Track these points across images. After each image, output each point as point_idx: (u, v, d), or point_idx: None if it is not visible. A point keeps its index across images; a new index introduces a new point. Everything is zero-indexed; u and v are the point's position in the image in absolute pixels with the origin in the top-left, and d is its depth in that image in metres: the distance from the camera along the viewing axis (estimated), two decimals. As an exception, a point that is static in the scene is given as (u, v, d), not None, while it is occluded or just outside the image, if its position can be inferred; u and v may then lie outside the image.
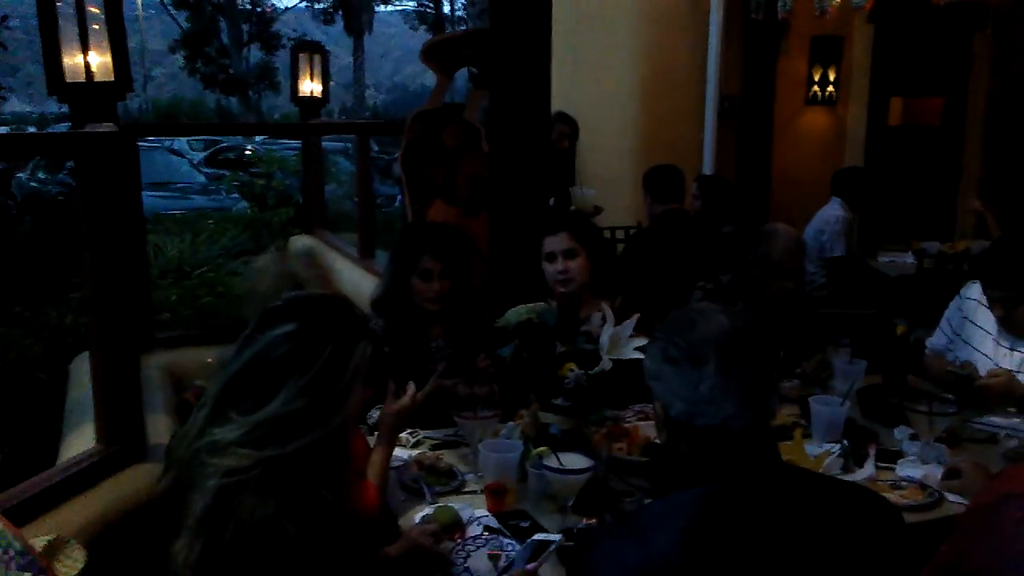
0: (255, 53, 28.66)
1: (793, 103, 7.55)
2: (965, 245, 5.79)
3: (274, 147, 12.45)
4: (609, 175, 6.28)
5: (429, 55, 4.39)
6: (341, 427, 1.57)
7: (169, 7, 27.31)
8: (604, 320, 2.37)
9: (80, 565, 1.69)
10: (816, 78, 7.58)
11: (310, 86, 6.18)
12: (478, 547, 1.92)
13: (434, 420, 2.61)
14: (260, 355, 1.50)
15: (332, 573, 1.47)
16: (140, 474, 2.44)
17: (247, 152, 14.52)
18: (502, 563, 1.83)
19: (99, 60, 2.90)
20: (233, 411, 1.46)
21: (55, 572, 1.64)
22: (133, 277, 2.84)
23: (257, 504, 1.40)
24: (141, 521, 2.25)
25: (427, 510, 2.09)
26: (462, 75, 4.88)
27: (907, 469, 2.31)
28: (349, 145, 11.72)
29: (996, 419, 2.65)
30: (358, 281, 4.69)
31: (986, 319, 2.89)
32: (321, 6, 32.68)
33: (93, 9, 2.88)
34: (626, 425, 2.53)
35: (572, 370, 2.28)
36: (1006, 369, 2.73)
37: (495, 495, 2.12)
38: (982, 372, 2.73)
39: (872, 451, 2.36)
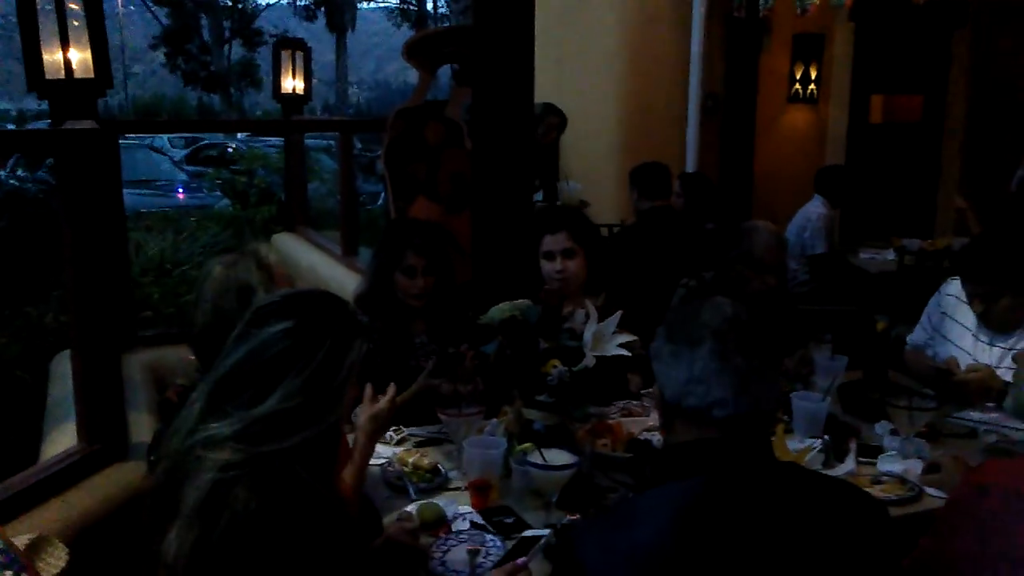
0: (237, 50, 28.56)
1: (775, 101, 7.59)
2: (945, 242, 5.84)
3: (256, 144, 12.42)
4: (592, 172, 6.29)
5: (411, 52, 4.39)
6: (335, 423, 1.58)
7: (149, 3, 27.15)
8: (587, 317, 2.38)
9: (62, 563, 1.69)
10: (798, 76, 7.63)
11: (292, 83, 6.17)
12: (459, 542, 1.92)
13: (418, 417, 2.62)
14: (257, 351, 1.50)
15: (321, 567, 1.48)
16: (122, 472, 2.43)
17: (229, 149, 14.48)
18: (480, 559, 1.84)
19: (79, 57, 2.89)
20: (229, 405, 1.47)
21: (38, 570, 1.63)
22: (114, 275, 2.83)
23: (250, 498, 1.40)
24: (124, 518, 2.24)
25: (411, 507, 2.09)
26: (446, 72, 4.89)
27: (887, 464, 2.33)
28: (332, 143, 11.70)
29: (975, 414, 2.67)
30: (341, 279, 4.69)
31: (965, 315, 2.92)
32: (303, 3, 32.57)
33: (73, 6, 2.87)
34: (610, 421, 2.54)
35: (556, 367, 2.29)
36: (985, 364, 2.76)
37: (479, 491, 2.12)
38: (962, 367, 2.76)
39: (853, 446, 2.38)
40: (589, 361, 2.30)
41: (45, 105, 2.95)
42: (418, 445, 2.50)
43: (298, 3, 32.94)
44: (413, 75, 4.65)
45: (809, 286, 5.46)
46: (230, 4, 28.59)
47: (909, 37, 7.38)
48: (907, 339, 3.17)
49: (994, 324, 2.81)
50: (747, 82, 7.30)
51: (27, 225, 7.74)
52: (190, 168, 15.99)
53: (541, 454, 2.05)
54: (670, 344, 1.47)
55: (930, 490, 2.18)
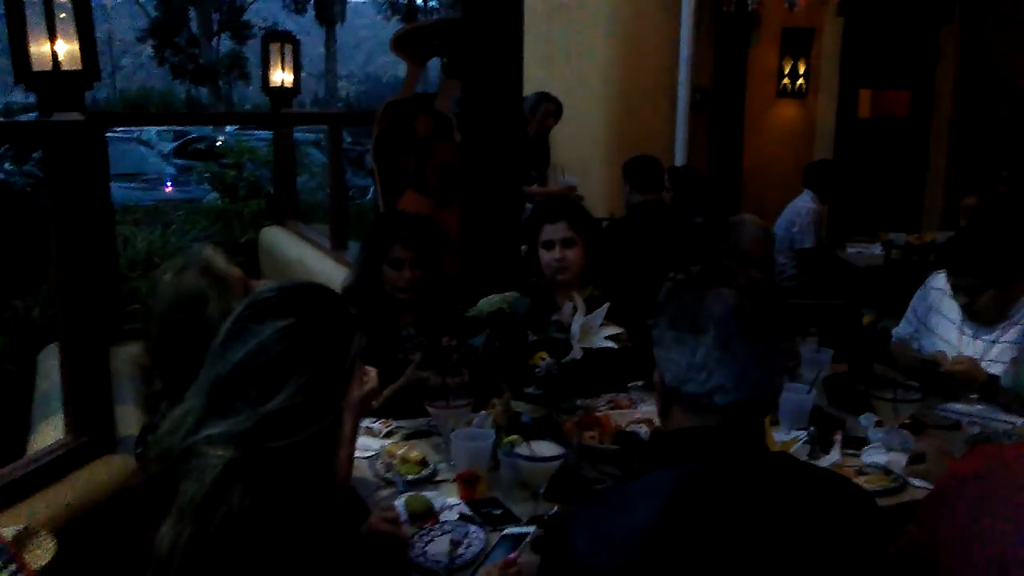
0: (225, 43, 28.43)
1: (764, 95, 7.61)
2: (932, 236, 5.88)
3: (245, 138, 12.35)
4: (581, 165, 6.30)
5: (399, 44, 4.38)
6: (340, 414, 1.58)
7: (137, -5, 27.00)
8: (575, 309, 2.39)
9: (49, 555, 1.69)
10: (787, 70, 7.64)
11: (281, 76, 6.15)
12: (443, 533, 1.93)
13: (407, 410, 2.62)
14: (259, 351, 1.47)
15: (313, 562, 1.48)
16: (109, 465, 2.42)
17: (217, 143, 14.39)
18: (461, 551, 1.85)
19: (66, 49, 2.88)
20: (238, 402, 1.45)
21: (25, 562, 1.63)
22: (101, 268, 2.82)
23: (249, 493, 1.40)
24: (111, 511, 2.24)
25: (399, 499, 2.10)
26: (435, 65, 4.88)
27: (872, 455, 2.35)
28: (321, 136, 11.66)
29: (959, 406, 2.70)
30: (330, 272, 4.69)
31: (950, 308, 2.94)
32: (292, -5, 32.44)
33: (60, -2, 2.86)
34: (597, 414, 2.55)
35: (543, 359, 2.30)
36: (969, 357, 2.78)
37: (467, 483, 2.13)
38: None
39: (838, 438, 2.40)
40: (577, 353, 2.31)
41: (32, 99, 2.94)
42: (406, 438, 2.51)
43: (287, -5, 32.83)
44: (403, 68, 4.64)
45: (797, 280, 5.49)
46: (219, -4, 28.49)
47: (897, 32, 7.41)
48: (893, 332, 3.19)
49: (978, 317, 2.84)
50: (736, 76, 7.34)
51: (14, 218, 7.70)
52: (178, 161, 15.91)
53: (529, 446, 2.07)
54: (673, 330, 1.47)
55: (914, 481, 2.20)
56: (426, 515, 2.02)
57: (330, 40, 33.19)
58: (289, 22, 29.84)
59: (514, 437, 2.16)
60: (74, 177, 2.34)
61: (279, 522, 1.42)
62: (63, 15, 2.86)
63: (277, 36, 6.45)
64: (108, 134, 5.12)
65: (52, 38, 2.84)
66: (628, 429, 2.47)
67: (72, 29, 2.87)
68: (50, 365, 3.46)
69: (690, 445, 1.44)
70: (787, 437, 2.40)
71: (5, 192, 9.37)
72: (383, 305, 2.87)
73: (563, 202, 4.10)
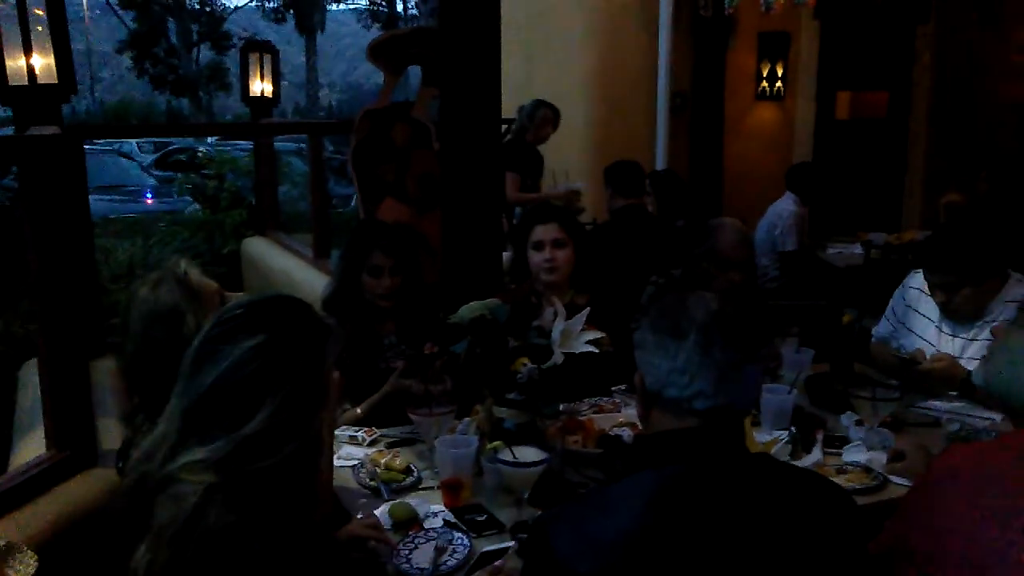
0: (205, 53, 28.31)
1: (743, 98, 7.66)
2: (911, 236, 5.92)
3: (225, 148, 12.29)
4: (561, 171, 6.31)
5: (376, 53, 4.38)
6: (318, 429, 1.57)
7: (116, 7, 26.84)
8: (556, 315, 2.40)
9: (32, 570, 1.68)
10: (765, 73, 7.69)
11: (260, 86, 6.13)
12: (427, 540, 1.94)
13: (390, 418, 2.63)
14: (231, 371, 1.45)
15: (296, 569, 1.47)
16: (91, 480, 2.41)
17: (198, 154, 14.32)
18: (446, 558, 1.85)
19: (42, 62, 2.86)
20: (215, 428, 1.43)
21: (5, 578, 1.62)
22: (81, 281, 2.81)
23: (225, 514, 1.38)
24: (93, 526, 2.22)
25: (384, 507, 2.10)
26: (416, 74, 4.88)
27: (853, 454, 2.37)
28: (303, 145, 11.62)
29: (938, 403, 2.73)
30: (313, 282, 4.68)
31: (928, 307, 2.96)
32: (272, 5, 32.33)
33: (36, 11, 2.84)
34: (580, 418, 2.56)
35: (525, 364, 2.30)
36: (948, 354, 2.81)
37: (451, 490, 2.13)
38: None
39: (819, 437, 2.41)
40: (558, 358, 2.32)
41: (8, 112, 2.92)
42: (390, 446, 2.51)
43: (267, 5, 32.74)
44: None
45: (780, 282, 5.53)
46: (198, 7, 28.37)
47: (873, 34, 7.46)
48: (872, 331, 3.22)
49: (955, 315, 2.86)
50: (714, 80, 7.38)
51: (-7, 233, 7.64)
52: (159, 173, 15.82)
53: (512, 452, 2.07)
54: (654, 334, 1.48)
55: (894, 478, 2.22)
56: (410, 522, 2.02)
57: (310, 49, 33.11)
58: (270, 32, 29.76)
59: (497, 443, 2.17)
60: (51, 190, 2.33)
61: (260, 534, 1.41)
62: (39, 28, 2.85)
63: (256, 46, 6.42)
64: (88, 146, 5.10)
65: (28, 52, 2.83)
66: (612, 433, 2.48)
67: (48, 43, 2.85)
68: (31, 380, 3.43)
69: (671, 447, 1.44)
70: (769, 437, 2.42)
71: (-18, 207, 9.29)
72: (364, 314, 2.87)
73: (554, 207, 4.13)
